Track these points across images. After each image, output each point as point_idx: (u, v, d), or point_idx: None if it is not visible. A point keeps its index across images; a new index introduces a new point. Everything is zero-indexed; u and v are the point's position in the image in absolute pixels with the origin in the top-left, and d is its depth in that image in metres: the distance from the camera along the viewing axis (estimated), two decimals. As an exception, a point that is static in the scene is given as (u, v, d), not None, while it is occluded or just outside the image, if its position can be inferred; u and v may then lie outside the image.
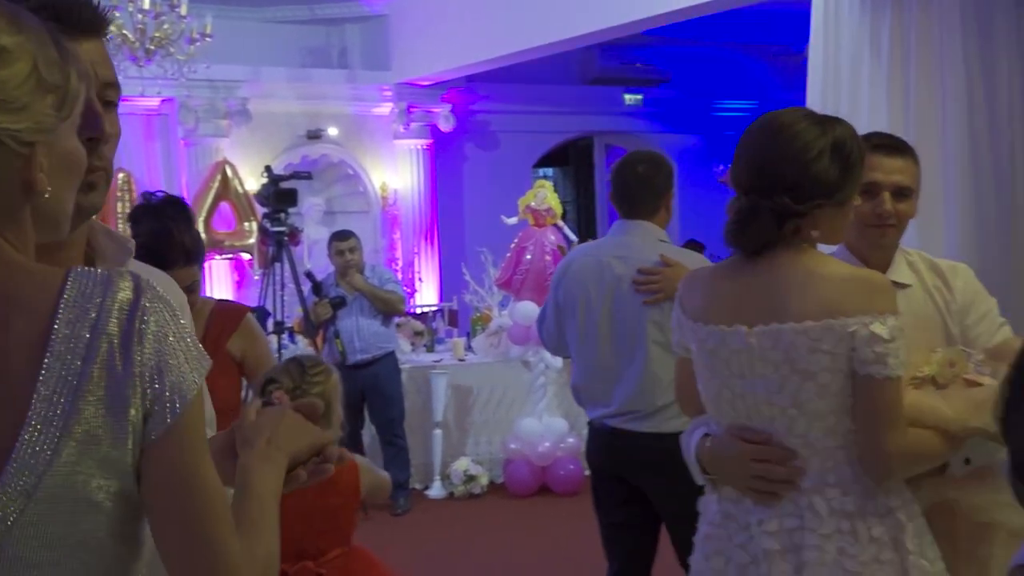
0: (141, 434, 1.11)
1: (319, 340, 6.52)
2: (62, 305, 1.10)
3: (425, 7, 8.93)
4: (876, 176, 2.34)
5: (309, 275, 6.69)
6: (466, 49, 8.49)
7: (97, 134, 1.31)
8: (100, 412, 1.09)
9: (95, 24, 1.38)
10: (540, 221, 6.97)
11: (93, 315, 1.10)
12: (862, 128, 5.51)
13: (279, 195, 6.48)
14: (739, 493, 2.10)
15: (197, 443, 1.16)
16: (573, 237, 7.53)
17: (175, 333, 1.14)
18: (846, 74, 5.34)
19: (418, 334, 7.65)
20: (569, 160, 12.19)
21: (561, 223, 7.17)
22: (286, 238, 6.51)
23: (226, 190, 8.76)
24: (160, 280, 1.58)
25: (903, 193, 2.37)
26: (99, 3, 1.40)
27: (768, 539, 2.02)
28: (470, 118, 10.34)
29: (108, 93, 1.39)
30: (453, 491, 6.90)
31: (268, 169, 6.73)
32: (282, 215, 6.47)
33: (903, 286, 2.36)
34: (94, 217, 1.45)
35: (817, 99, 5.41)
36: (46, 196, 1.15)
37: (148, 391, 1.11)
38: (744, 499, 2.09)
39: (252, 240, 8.66)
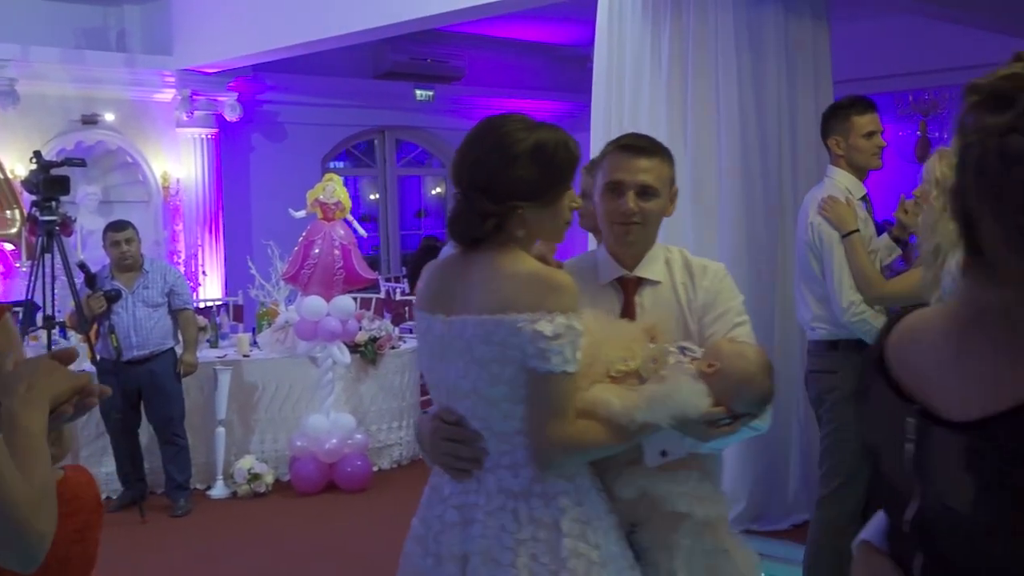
0: None
1: (93, 335, 6.23)
2: None
3: (210, -8, 8.67)
4: (621, 176, 2.44)
5: (82, 267, 6.37)
6: (254, 37, 8.28)
7: None
8: None
9: None
10: (329, 215, 6.88)
11: None
12: (643, 130, 5.73)
13: (49, 182, 6.14)
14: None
15: None
16: (362, 232, 7.48)
17: None
18: (629, 78, 5.52)
19: (201, 329, 7.41)
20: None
21: (350, 217, 7.09)
22: (57, 228, 6.18)
23: (-16, 175, 8.22)
24: None
25: (648, 192, 2.43)
26: None
27: (452, 512, 2.18)
28: (257, 108, 10.10)
29: None
30: (237, 490, 6.73)
31: (37, 155, 6.35)
32: (53, 204, 6.14)
33: (653, 283, 2.48)
34: None
35: (601, 101, 5.56)
36: None
37: None
38: (445, 473, 2.23)
39: (15, 229, 8.17)
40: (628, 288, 2.49)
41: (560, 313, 2.02)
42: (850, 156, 4.08)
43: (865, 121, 4.05)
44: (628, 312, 2.45)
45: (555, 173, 2.14)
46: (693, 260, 2.54)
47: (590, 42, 5.69)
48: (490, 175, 2.11)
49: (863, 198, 4.12)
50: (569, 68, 11.68)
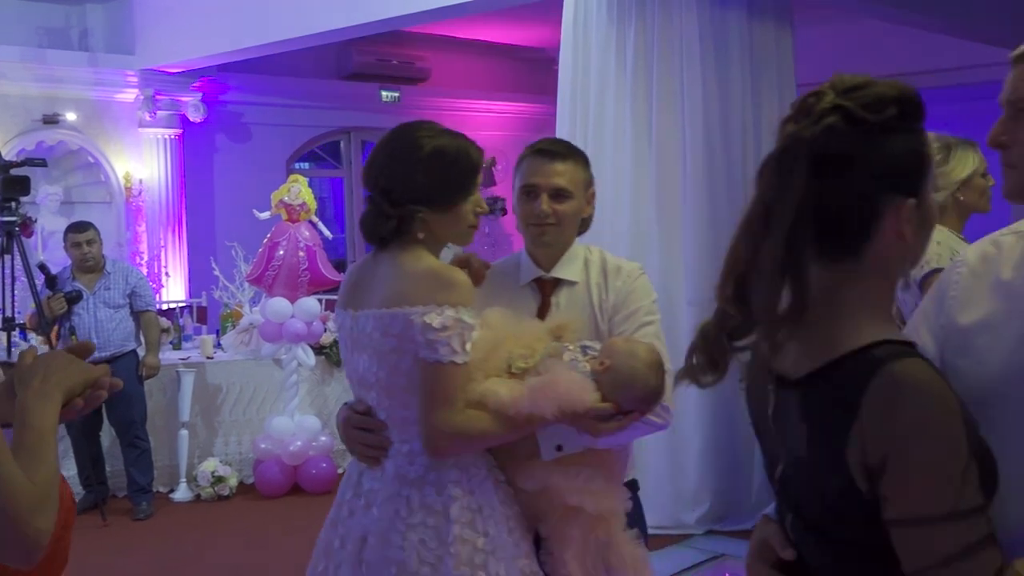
0: None
1: (53, 336, 6.16)
2: None
3: (174, -9, 8.59)
4: (535, 179, 2.54)
5: (43, 267, 6.31)
6: (217, 37, 8.23)
7: None
8: None
9: None
10: (294, 216, 6.85)
11: None
12: (608, 132, 5.74)
13: (9, 183, 6.09)
14: None
15: None
16: (328, 233, 7.45)
17: None
18: (594, 80, 5.54)
19: (164, 331, 7.35)
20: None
21: (315, 219, 7.06)
22: (17, 228, 6.12)
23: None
24: None
25: (562, 195, 2.52)
26: None
27: (358, 497, 2.32)
28: (221, 109, 10.02)
29: None
30: (200, 493, 6.68)
31: (-3, 154, 6.29)
32: (13, 204, 6.09)
33: (570, 283, 2.57)
34: None
35: (567, 103, 5.58)
36: None
37: None
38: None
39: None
40: (545, 288, 2.58)
41: (450, 306, 2.15)
42: None
43: None
44: (543, 312, 2.55)
45: (453, 180, 2.27)
46: (610, 260, 2.61)
47: (556, 44, 5.70)
48: (390, 179, 2.25)
49: None
50: (535, 70, 11.69)
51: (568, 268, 2.58)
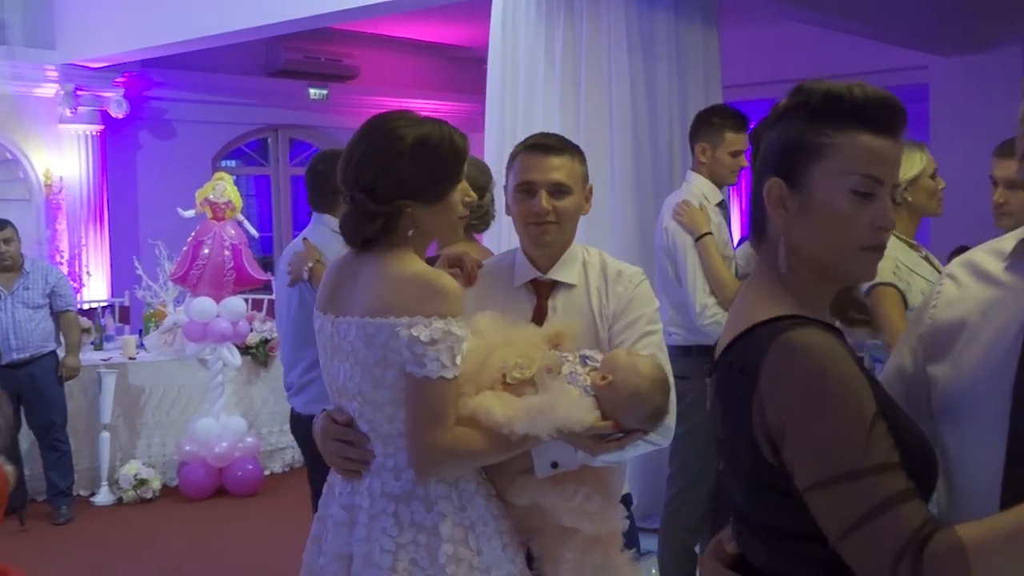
0: None
1: (-31, 338, 6.00)
2: None
3: (95, -16, 8.41)
4: (532, 175, 2.39)
5: (-42, 267, 6.14)
6: (141, 32, 8.07)
7: None
8: None
9: None
10: (219, 214, 6.75)
11: None
12: (537, 130, 5.75)
13: (-78, 179, 5.91)
14: None
15: None
16: (254, 232, 7.37)
17: None
18: (523, 79, 5.54)
19: (85, 331, 7.20)
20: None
21: (241, 217, 6.97)
22: (-69, 226, 5.95)
23: None
24: None
25: (561, 190, 2.38)
26: None
27: (340, 511, 2.17)
28: (145, 105, 9.84)
29: None
30: (122, 496, 6.56)
31: (-91, 150, 6.11)
32: (-74, 201, 5.91)
33: (568, 286, 2.42)
34: None
35: (496, 102, 5.57)
36: None
37: None
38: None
39: None
40: (541, 291, 2.44)
41: (439, 318, 2.01)
42: (712, 166, 4.13)
43: (737, 139, 4.10)
44: (539, 316, 2.40)
45: (441, 169, 2.11)
46: (610, 263, 2.48)
47: (485, 43, 5.69)
48: (373, 174, 2.08)
49: (720, 204, 4.20)
50: (464, 69, 11.68)
51: (566, 270, 2.43)
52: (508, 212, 2.51)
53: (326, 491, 2.26)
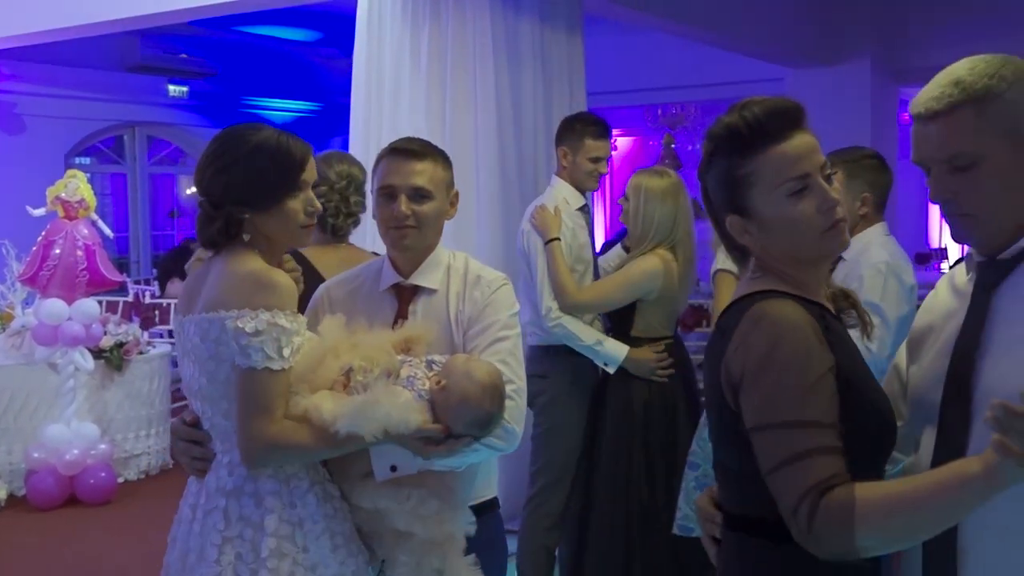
0: None
1: None
2: None
3: (-62, -30, 8.01)
4: (392, 179, 2.42)
5: None
6: (-12, 21, 7.73)
7: None
8: None
9: None
10: (71, 213, 6.52)
11: None
12: (402, 134, 5.73)
13: None
14: None
15: None
16: (108, 232, 7.14)
17: None
18: (388, 81, 5.52)
19: (-75, 334, 6.86)
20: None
21: (95, 216, 6.75)
22: None
23: None
24: None
25: (421, 195, 2.40)
26: None
27: (187, 509, 2.24)
28: (-7, 98, 9.46)
29: None
30: (-35, 507, 6.27)
31: None
32: None
33: (430, 291, 2.44)
34: None
35: (361, 103, 5.53)
36: None
37: None
38: None
39: None
40: (403, 296, 2.45)
41: (265, 310, 2.06)
42: (572, 171, 4.24)
43: (597, 146, 4.22)
44: (400, 320, 2.41)
45: (273, 177, 2.15)
46: (472, 268, 2.49)
47: (350, 44, 5.64)
48: (210, 181, 2.17)
49: (582, 208, 4.29)
50: (329, 69, 11.56)
51: (428, 275, 2.45)
52: (373, 216, 2.52)
53: (186, 487, 2.30)
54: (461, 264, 2.49)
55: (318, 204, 2.24)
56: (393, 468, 2.14)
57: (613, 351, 4.07)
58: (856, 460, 1.54)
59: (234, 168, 2.14)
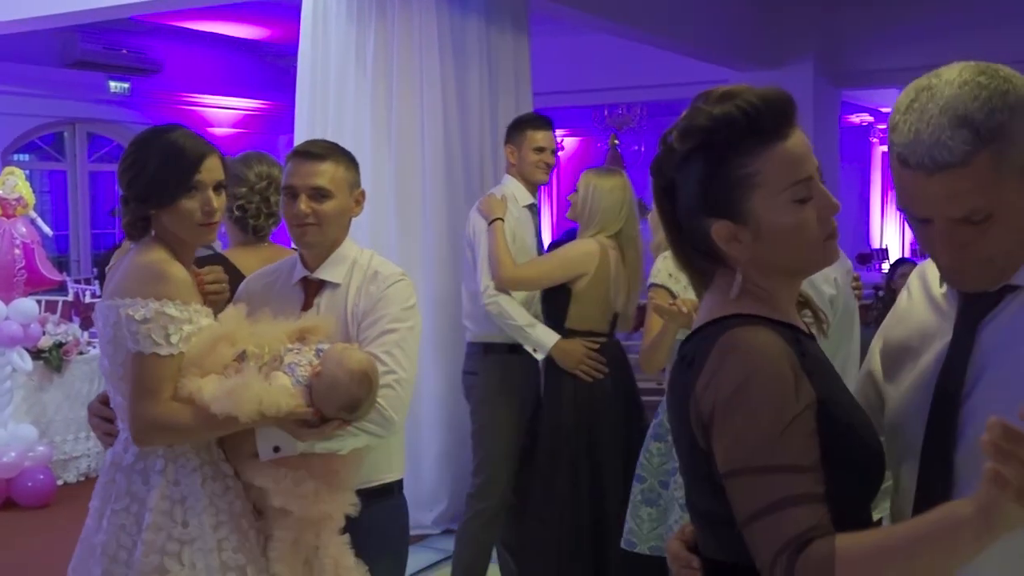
0: None
1: None
2: None
3: None
4: (293, 180, 2.57)
5: None
6: (-79, 15, 7.55)
7: None
8: None
9: None
10: (9, 211, 6.42)
11: None
12: (348, 132, 5.70)
13: None
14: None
15: None
16: (48, 230, 7.03)
17: None
18: (333, 79, 5.48)
19: None
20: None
21: (34, 214, 6.64)
22: None
23: None
24: None
25: (321, 194, 2.54)
26: None
27: (98, 486, 2.42)
28: (-73, 93, 9.26)
29: None
30: (-102, 512, 6.13)
31: None
32: None
33: (333, 285, 2.57)
34: None
35: (306, 101, 5.50)
36: None
37: None
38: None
39: None
40: (309, 289, 2.59)
41: (155, 299, 2.24)
42: (520, 166, 4.33)
43: (538, 137, 4.31)
44: (304, 312, 2.56)
45: (168, 176, 2.31)
46: (374, 264, 2.62)
47: (295, 41, 5.60)
48: (120, 178, 2.38)
49: (530, 207, 4.36)
50: (273, 66, 11.47)
51: (332, 270, 2.58)
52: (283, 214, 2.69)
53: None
54: (366, 260, 2.62)
55: (215, 204, 2.36)
56: (276, 449, 2.29)
57: (543, 337, 4.07)
58: (842, 501, 1.39)
59: (135, 167, 2.33)
